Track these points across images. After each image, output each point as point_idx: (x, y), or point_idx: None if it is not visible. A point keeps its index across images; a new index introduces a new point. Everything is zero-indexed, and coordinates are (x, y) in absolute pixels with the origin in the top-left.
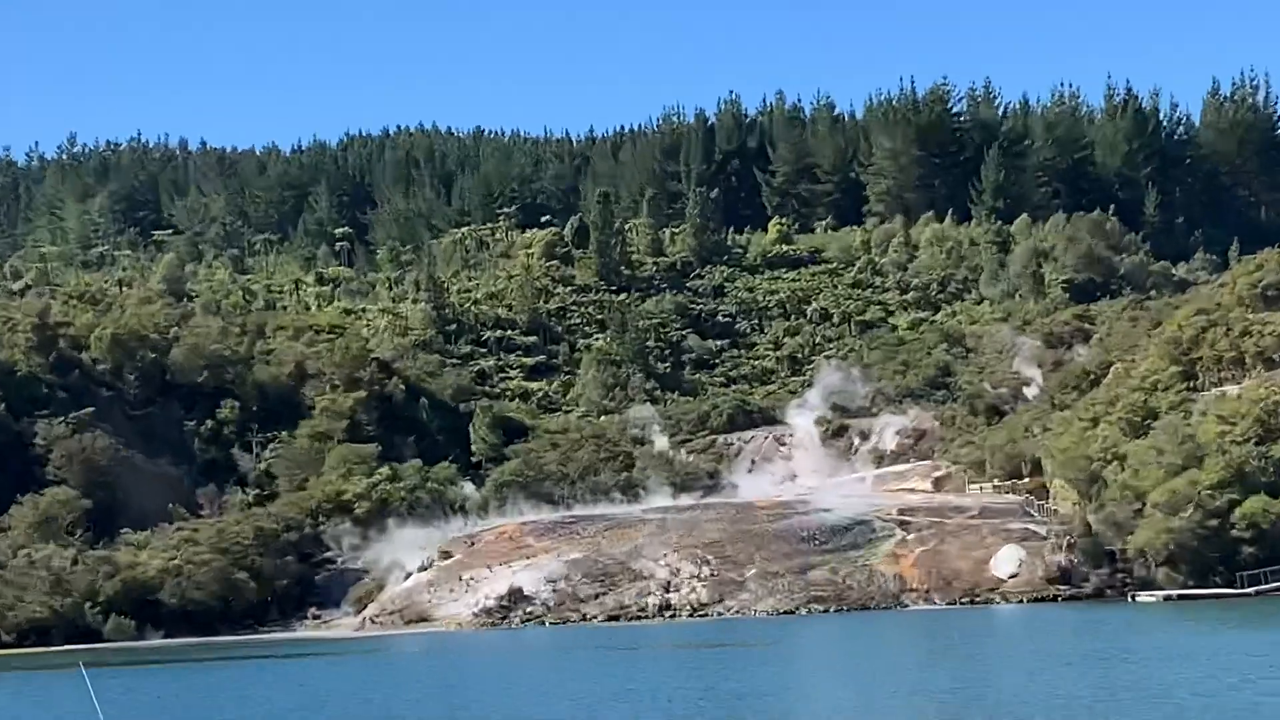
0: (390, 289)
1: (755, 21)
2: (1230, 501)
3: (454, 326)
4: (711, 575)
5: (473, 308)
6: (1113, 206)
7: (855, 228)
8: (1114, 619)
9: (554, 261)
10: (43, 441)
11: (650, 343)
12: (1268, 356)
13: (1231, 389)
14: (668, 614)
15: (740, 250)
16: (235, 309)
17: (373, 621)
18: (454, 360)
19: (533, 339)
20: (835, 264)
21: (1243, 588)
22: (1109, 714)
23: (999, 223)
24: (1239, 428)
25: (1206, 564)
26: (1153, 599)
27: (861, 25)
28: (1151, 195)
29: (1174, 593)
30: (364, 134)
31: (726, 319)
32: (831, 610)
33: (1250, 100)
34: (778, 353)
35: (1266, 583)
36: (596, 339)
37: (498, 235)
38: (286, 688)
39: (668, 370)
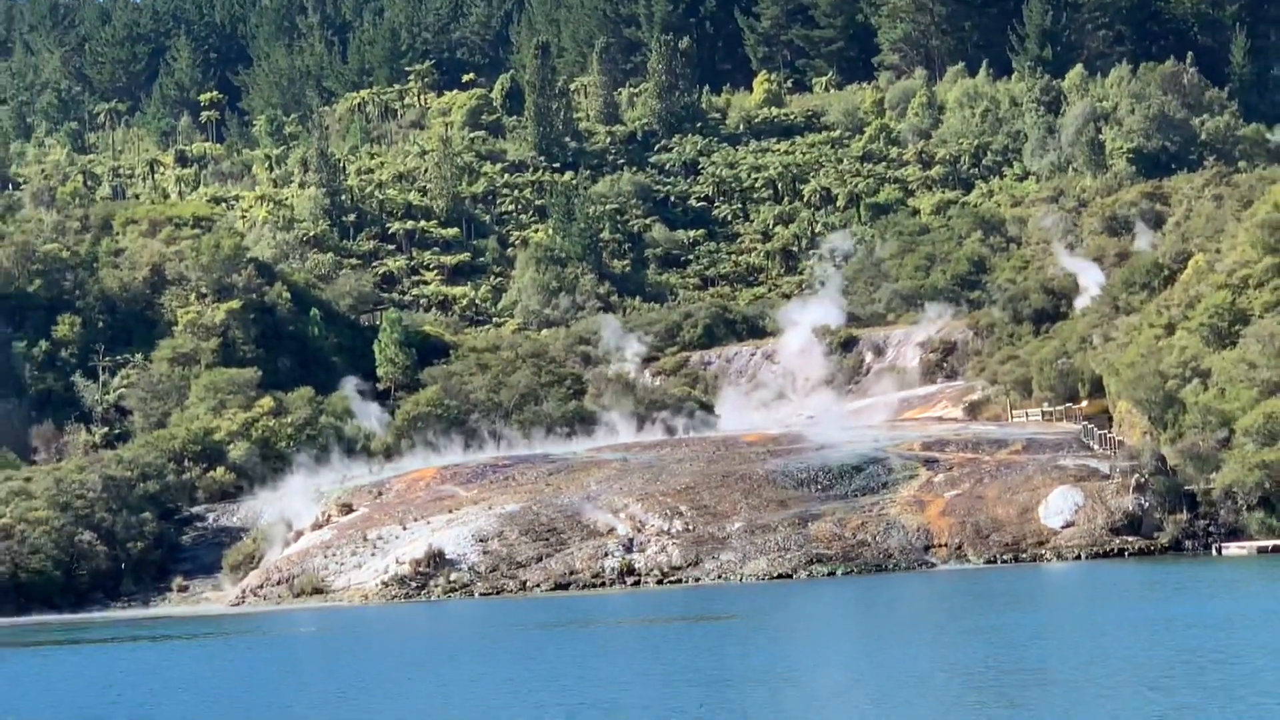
0: (271, 170)
1: None
2: None
3: (352, 217)
4: (685, 530)
5: (376, 193)
6: (1191, 54)
7: (864, 85)
8: (1196, 577)
9: (480, 132)
10: None
11: (604, 235)
12: None
13: None
14: (630, 580)
15: (718, 116)
16: (74, 198)
17: (254, 594)
18: (353, 260)
19: (453, 232)
20: (839, 131)
21: None
22: (1182, 695)
23: (1047, 77)
24: None
25: None
26: (1243, 551)
27: None
28: (1240, 39)
29: (1270, 543)
30: None
31: (701, 203)
32: (839, 573)
33: None
34: (767, 246)
35: None
36: (535, 231)
37: (407, 100)
38: (140, 678)
39: (626, 270)
